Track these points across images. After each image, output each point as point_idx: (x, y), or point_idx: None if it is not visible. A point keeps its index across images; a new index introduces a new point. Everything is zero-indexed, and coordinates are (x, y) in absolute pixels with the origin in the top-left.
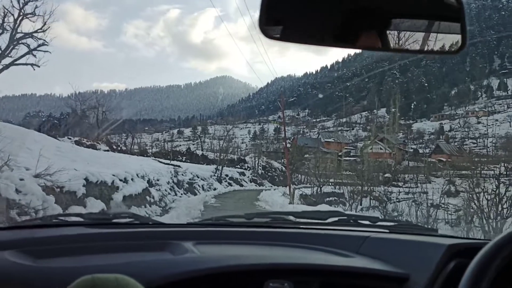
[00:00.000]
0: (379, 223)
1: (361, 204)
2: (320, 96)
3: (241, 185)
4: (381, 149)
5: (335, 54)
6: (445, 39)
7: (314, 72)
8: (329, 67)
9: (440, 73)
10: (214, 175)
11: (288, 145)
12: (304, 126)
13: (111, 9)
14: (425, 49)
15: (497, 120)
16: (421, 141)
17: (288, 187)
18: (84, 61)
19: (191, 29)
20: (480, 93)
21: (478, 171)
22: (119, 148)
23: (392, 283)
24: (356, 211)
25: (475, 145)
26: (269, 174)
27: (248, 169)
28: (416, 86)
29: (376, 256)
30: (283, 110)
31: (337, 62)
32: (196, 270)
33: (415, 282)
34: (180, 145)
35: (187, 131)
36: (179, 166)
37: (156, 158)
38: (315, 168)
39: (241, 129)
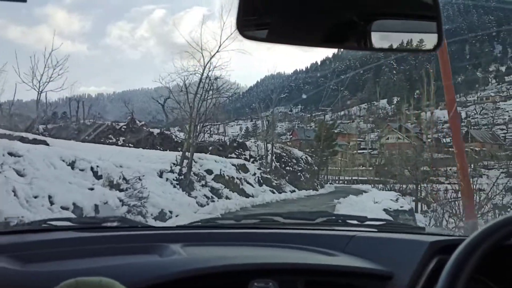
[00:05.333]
0: (367, 222)
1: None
2: (313, 90)
3: (245, 194)
4: (399, 139)
5: (324, 50)
6: (422, 37)
7: (304, 69)
8: (319, 63)
9: (438, 61)
10: (174, 173)
11: (287, 139)
12: (299, 122)
13: (94, 11)
14: (404, 47)
15: None
16: (435, 130)
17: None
18: (69, 64)
19: (176, 29)
20: (489, 79)
21: None
22: None
23: (376, 281)
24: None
25: (505, 131)
26: (287, 168)
27: (253, 159)
28: (418, 74)
29: (361, 254)
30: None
31: (327, 58)
32: (182, 272)
33: (399, 280)
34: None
35: (174, 130)
36: (45, 143)
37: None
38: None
39: (232, 126)
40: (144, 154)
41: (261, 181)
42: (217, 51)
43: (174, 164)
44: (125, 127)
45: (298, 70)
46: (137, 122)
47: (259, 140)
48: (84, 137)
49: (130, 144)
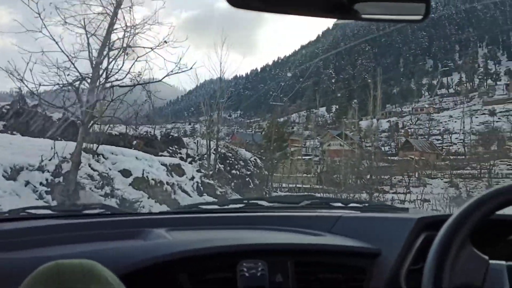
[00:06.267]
0: (352, 204)
1: None
2: (253, 96)
3: (176, 205)
4: (341, 145)
5: (265, 57)
6: (410, 8)
7: (244, 75)
8: (259, 70)
9: (375, 72)
10: (44, 172)
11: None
12: (238, 127)
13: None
14: (393, 17)
15: (451, 116)
16: (373, 138)
17: None
18: None
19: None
20: (422, 92)
21: (485, 170)
22: None
23: (365, 259)
24: None
25: (440, 141)
26: (233, 172)
27: (191, 159)
28: (357, 84)
29: (348, 234)
30: None
31: (267, 65)
32: (167, 255)
33: (387, 257)
34: None
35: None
36: None
37: None
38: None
39: (170, 129)
40: (14, 143)
41: (201, 188)
42: None
43: (62, 158)
44: (8, 107)
45: (238, 76)
46: (28, 101)
47: (199, 137)
48: None
49: (14, 132)
